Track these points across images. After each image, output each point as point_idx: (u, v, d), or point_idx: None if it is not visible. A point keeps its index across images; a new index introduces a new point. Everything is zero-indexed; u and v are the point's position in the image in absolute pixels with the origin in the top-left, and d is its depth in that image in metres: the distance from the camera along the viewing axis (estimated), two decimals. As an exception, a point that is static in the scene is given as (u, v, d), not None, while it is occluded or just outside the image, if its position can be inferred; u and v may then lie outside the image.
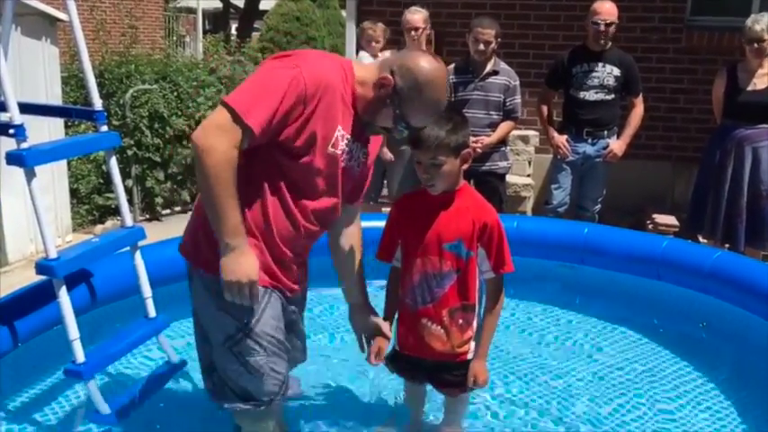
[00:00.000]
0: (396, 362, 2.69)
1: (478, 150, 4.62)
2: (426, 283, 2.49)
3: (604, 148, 5.10)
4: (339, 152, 2.28)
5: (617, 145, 5.09)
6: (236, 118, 2.06)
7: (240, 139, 2.07)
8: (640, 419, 3.05)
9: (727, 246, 5.03)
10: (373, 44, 5.36)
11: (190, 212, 7.94)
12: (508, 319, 3.98)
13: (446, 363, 2.57)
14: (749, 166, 4.93)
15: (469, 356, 2.58)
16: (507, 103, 4.82)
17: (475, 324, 2.57)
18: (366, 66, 2.46)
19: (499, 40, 4.82)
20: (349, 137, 2.30)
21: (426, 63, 2.26)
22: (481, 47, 4.72)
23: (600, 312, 4.05)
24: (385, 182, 5.43)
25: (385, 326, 2.64)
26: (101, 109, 2.99)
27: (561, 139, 5.11)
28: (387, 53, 5.31)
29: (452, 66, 4.98)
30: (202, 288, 2.33)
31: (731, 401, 3.18)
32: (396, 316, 2.66)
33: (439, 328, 2.51)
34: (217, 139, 2.05)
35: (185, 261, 2.42)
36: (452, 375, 2.59)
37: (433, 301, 2.50)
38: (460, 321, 2.52)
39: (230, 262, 2.14)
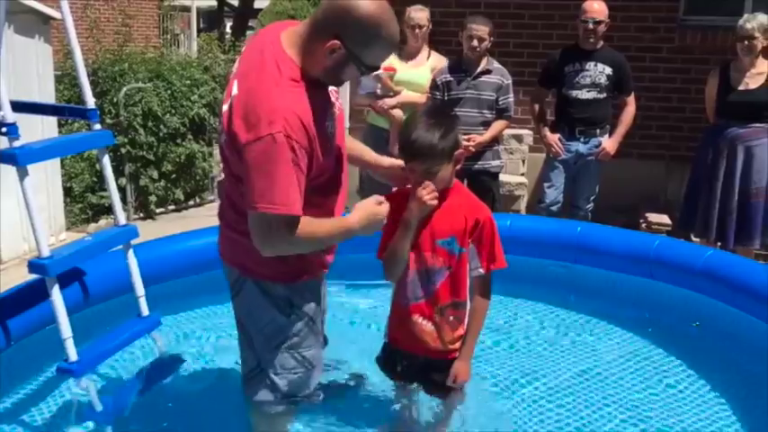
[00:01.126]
0: (388, 356, 2.68)
1: (471, 149, 4.63)
2: (419, 279, 2.50)
3: (597, 147, 5.12)
4: (333, 137, 2.30)
5: (609, 143, 5.11)
6: (281, 217, 2.12)
7: (294, 222, 2.15)
8: (633, 418, 3.05)
9: (719, 244, 5.06)
10: None
11: (184, 211, 7.82)
12: (500, 318, 3.99)
13: (437, 360, 2.57)
14: (741, 165, 4.95)
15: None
16: (500, 102, 4.83)
17: (466, 322, 2.58)
18: (299, 32, 2.20)
19: (492, 38, 4.83)
20: (328, 114, 2.27)
21: (364, 3, 2.10)
22: (474, 43, 4.73)
23: (593, 311, 4.06)
24: None
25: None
26: (93, 107, 3.00)
27: (554, 138, 5.12)
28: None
29: (446, 64, 5.00)
30: (260, 293, 2.38)
31: (725, 400, 3.19)
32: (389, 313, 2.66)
33: (430, 324, 2.52)
34: (281, 242, 2.19)
35: (233, 272, 2.45)
36: (444, 377, 2.58)
37: (424, 297, 2.51)
38: (451, 318, 2.53)
39: (367, 229, 2.36)
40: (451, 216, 2.47)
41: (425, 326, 2.52)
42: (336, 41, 2.11)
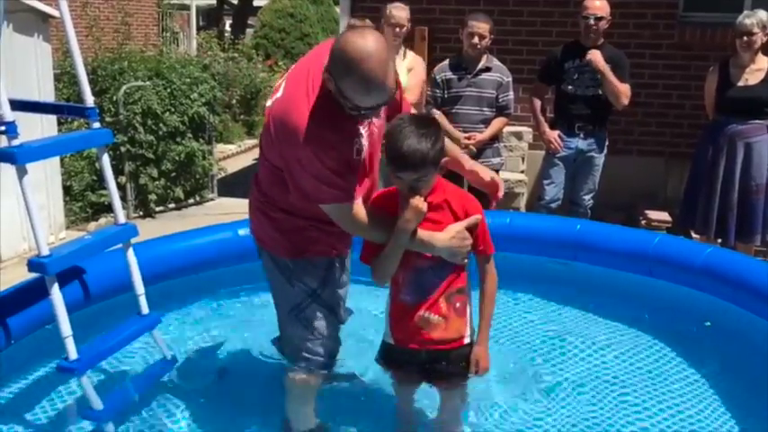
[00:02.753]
0: (389, 357, 2.67)
1: (472, 147, 4.62)
2: (424, 276, 2.49)
3: (596, 143, 5.11)
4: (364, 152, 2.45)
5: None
6: (350, 208, 2.40)
7: (351, 205, 2.40)
8: (632, 415, 3.05)
9: (719, 241, 5.06)
10: None
11: (184, 209, 7.87)
12: (500, 315, 3.98)
13: (442, 351, 2.56)
14: (741, 161, 4.95)
15: (466, 341, 2.58)
16: (500, 99, 4.83)
17: (469, 309, 2.58)
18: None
19: (492, 36, 4.83)
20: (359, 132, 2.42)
21: (350, 40, 2.18)
22: (475, 40, 4.73)
23: (592, 309, 4.06)
24: None
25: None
26: (93, 106, 2.98)
27: (553, 134, 5.12)
28: None
29: (446, 62, 4.99)
30: (272, 263, 2.66)
31: (724, 396, 3.19)
32: (387, 312, 2.63)
33: (438, 317, 2.50)
34: (352, 227, 2.50)
35: (259, 249, 2.74)
36: (449, 365, 2.58)
37: (430, 293, 2.49)
38: (458, 305, 2.53)
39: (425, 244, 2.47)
40: (442, 213, 2.47)
41: (433, 319, 2.51)
42: (327, 73, 2.26)
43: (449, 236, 2.44)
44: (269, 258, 2.67)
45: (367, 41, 2.17)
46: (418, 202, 2.38)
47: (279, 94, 2.44)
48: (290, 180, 2.41)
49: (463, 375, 2.62)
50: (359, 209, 2.43)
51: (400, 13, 5.00)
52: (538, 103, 5.28)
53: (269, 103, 2.49)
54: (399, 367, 2.70)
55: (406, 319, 2.54)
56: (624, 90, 5.02)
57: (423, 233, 2.43)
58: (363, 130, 2.44)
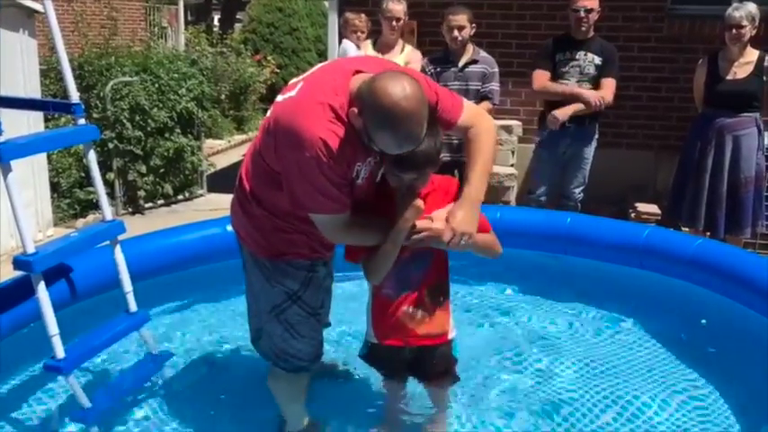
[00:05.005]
0: (373, 356, 2.66)
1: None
2: (405, 269, 2.47)
3: (586, 137, 5.10)
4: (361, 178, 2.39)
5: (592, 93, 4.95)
6: (341, 220, 2.35)
7: (341, 217, 2.35)
8: (626, 409, 3.06)
9: (708, 234, 5.07)
10: (358, 34, 5.37)
11: (173, 205, 7.83)
12: (490, 309, 3.99)
13: (427, 347, 2.56)
14: (729, 154, 4.96)
15: (450, 336, 2.58)
16: (482, 90, 4.80)
17: (449, 304, 2.58)
18: (361, 79, 2.26)
19: (474, 25, 4.82)
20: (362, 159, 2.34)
21: (391, 95, 2.07)
22: (455, 33, 4.73)
23: (583, 301, 4.06)
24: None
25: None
26: (78, 102, 2.96)
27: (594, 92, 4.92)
28: (368, 42, 5.31)
29: (434, 56, 4.99)
30: (252, 261, 2.60)
31: (715, 387, 3.20)
32: (369, 309, 2.61)
33: (421, 311, 2.50)
34: (339, 237, 2.47)
35: (239, 244, 2.68)
36: (435, 362, 2.58)
37: (413, 285, 2.49)
38: (441, 299, 2.53)
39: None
40: (428, 200, 2.44)
41: (416, 314, 2.50)
42: (356, 110, 2.19)
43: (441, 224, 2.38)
44: (249, 255, 2.62)
45: (408, 98, 2.08)
46: (417, 202, 2.35)
47: (293, 93, 2.34)
48: (285, 184, 2.34)
49: (450, 373, 2.61)
50: (349, 221, 2.37)
51: (397, 6, 5.06)
52: (546, 80, 5.06)
53: (279, 98, 2.40)
54: (385, 366, 2.69)
55: (389, 315, 2.52)
56: (609, 91, 4.95)
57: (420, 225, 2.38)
58: (371, 158, 2.36)
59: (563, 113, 4.93)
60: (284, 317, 2.56)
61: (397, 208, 2.37)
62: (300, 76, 2.46)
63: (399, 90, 2.08)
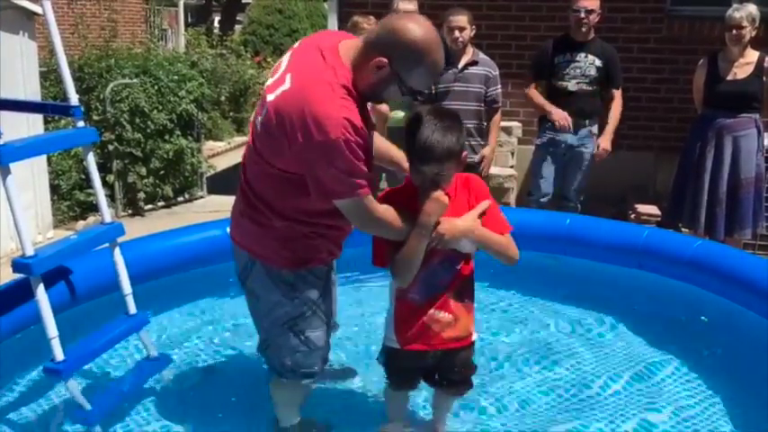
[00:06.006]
0: (393, 362, 2.59)
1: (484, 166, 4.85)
2: (434, 274, 2.44)
3: (586, 138, 5.11)
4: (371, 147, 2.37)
5: (604, 142, 5.09)
6: (360, 201, 2.28)
7: (371, 199, 2.31)
8: (626, 410, 3.06)
9: (707, 235, 5.06)
10: None
11: (173, 207, 7.78)
12: (490, 311, 3.98)
13: (450, 351, 2.52)
14: (729, 155, 4.96)
15: (473, 338, 2.57)
16: (488, 94, 4.82)
17: (473, 304, 2.56)
18: (352, 46, 2.32)
19: (474, 27, 4.82)
20: (368, 125, 2.34)
21: (415, 28, 2.20)
22: (456, 34, 4.74)
23: (583, 302, 4.06)
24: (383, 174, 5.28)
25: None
26: (77, 104, 2.95)
27: (561, 112, 5.00)
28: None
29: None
30: (267, 276, 2.50)
31: (713, 386, 3.20)
32: (391, 314, 2.56)
33: (448, 315, 2.47)
34: (372, 223, 2.37)
35: (243, 255, 2.55)
36: (456, 368, 2.56)
37: (441, 289, 2.45)
38: (466, 300, 2.51)
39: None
40: (455, 204, 2.42)
41: (444, 317, 2.46)
42: (384, 59, 2.21)
43: (468, 224, 2.40)
44: (263, 270, 2.49)
45: (429, 28, 2.23)
46: (440, 195, 2.33)
47: (285, 86, 2.27)
48: (310, 178, 2.26)
49: (468, 382, 2.60)
50: (376, 204, 2.34)
51: (408, 5, 5.02)
52: (534, 91, 5.21)
53: (270, 96, 2.30)
54: (404, 372, 2.63)
55: (414, 319, 2.47)
56: (618, 112, 5.12)
57: (444, 224, 2.37)
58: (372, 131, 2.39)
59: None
60: (299, 328, 2.52)
61: (420, 204, 2.35)
62: (280, 70, 2.36)
63: (419, 24, 2.22)
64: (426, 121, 2.30)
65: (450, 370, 2.57)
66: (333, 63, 2.25)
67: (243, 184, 2.50)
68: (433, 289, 2.45)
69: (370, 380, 3.12)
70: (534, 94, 5.21)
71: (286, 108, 2.23)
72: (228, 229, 2.65)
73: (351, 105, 2.21)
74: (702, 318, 3.79)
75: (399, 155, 2.73)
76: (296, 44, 2.48)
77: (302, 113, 2.18)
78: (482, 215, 2.45)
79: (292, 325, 2.51)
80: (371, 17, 5.44)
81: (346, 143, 2.17)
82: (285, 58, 2.41)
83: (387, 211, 2.36)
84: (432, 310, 2.45)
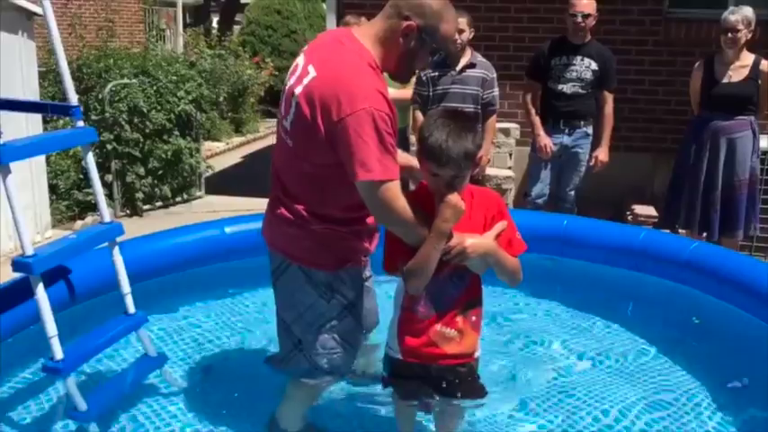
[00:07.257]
0: (394, 373, 2.52)
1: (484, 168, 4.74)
2: (442, 288, 2.38)
3: (581, 138, 5.15)
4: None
5: (602, 154, 5.15)
6: (387, 187, 2.24)
7: (398, 186, 2.27)
8: (622, 411, 3.07)
9: (704, 235, 5.09)
10: None
11: (171, 207, 7.77)
12: (487, 312, 3.98)
13: (453, 366, 2.44)
14: (724, 157, 4.98)
15: (476, 355, 2.49)
16: (484, 96, 4.83)
17: (481, 320, 2.49)
18: (369, 25, 2.42)
19: (473, 29, 4.83)
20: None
21: None
22: (455, 36, 4.73)
23: (579, 304, 4.07)
24: None
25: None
26: (76, 104, 2.96)
27: (546, 140, 5.11)
28: None
29: (430, 60, 4.99)
30: (303, 278, 2.48)
31: (712, 392, 3.21)
32: (395, 323, 2.50)
33: (454, 331, 2.40)
34: (392, 214, 2.29)
35: (277, 257, 2.54)
36: (460, 382, 2.46)
37: (448, 305, 2.39)
38: (473, 318, 2.43)
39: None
40: (470, 215, 2.36)
41: (449, 333, 2.40)
42: (412, 22, 2.30)
43: (492, 245, 2.34)
44: (299, 273, 2.48)
45: None
46: (457, 201, 2.26)
47: (313, 74, 2.29)
48: (344, 154, 2.23)
49: (479, 391, 2.51)
50: (401, 194, 2.29)
51: None
52: (530, 100, 5.26)
53: (299, 89, 2.31)
54: (406, 383, 2.53)
55: (418, 332, 2.41)
56: (611, 118, 5.19)
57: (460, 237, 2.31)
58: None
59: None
60: (335, 329, 2.51)
61: (436, 210, 2.29)
62: (299, 68, 2.39)
63: None
64: (440, 124, 2.26)
65: (453, 383, 2.47)
66: (353, 47, 2.33)
67: (278, 192, 2.49)
68: (440, 304, 2.39)
69: (376, 385, 3.10)
70: (528, 106, 5.26)
71: (317, 92, 2.27)
72: (262, 232, 2.61)
73: (380, 80, 2.29)
74: (694, 318, 3.81)
75: (407, 156, 2.75)
76: (305, 46, 2.54)
77: (334, 91, 2.23)
78: (498, 235, 2.39)
79: (330, 327, 2.50)
80: (363, 17, 5.47)
81: (378, 113, 2.20)
82: (300, 59, 2.44)
83: (407, 207, 2.29)
84: (437, 326, 2.39)
